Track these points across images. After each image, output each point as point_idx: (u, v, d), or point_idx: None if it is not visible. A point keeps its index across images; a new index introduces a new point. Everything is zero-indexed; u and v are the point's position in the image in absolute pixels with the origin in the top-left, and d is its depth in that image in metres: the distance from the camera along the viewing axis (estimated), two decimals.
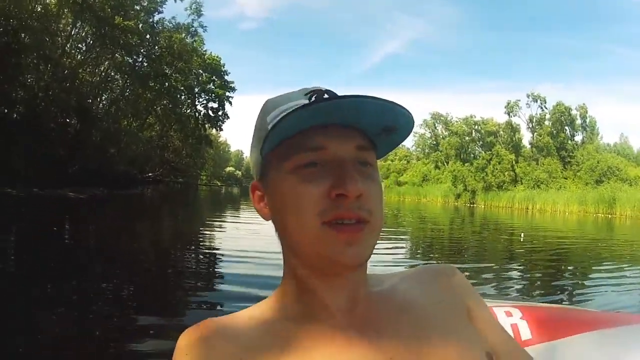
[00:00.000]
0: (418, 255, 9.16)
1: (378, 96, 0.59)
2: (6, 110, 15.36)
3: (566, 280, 6.95)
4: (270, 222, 0.69)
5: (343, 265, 0.62)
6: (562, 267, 8.37)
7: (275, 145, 0.61)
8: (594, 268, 8.12)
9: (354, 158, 0.62)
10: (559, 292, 5.90)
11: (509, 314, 1.31)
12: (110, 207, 13.89)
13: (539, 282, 6.69)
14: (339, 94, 0.64)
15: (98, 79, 23.34)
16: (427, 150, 58.67)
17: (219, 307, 3.99)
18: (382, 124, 0.63)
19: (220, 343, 0.61)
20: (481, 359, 0.66)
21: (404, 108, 0.61)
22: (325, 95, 0.64)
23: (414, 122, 0.64)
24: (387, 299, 0.70)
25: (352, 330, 0.64)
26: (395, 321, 0.66)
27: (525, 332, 1.25)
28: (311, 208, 0.60)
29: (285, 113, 0.60)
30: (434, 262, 7.88)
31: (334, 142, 0.61)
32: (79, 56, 21.18)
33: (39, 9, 16.09)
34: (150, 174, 29.67)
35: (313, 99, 0.64)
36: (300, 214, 0.61)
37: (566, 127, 44.08)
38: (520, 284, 6.43)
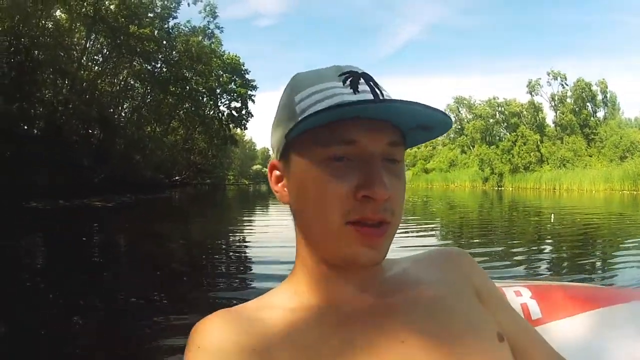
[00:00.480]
0: (449, 241, 9.09)
1: (418, 101, 0.57)
2: (26, 127, 15.75)
3: (595, 259, 6.94)
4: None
5: (358, 265, 0.62)
6: (590, 245, 8.32)
7: (301, 132, 0.59)
8: (621, 245, 8.04)
9: (384, 154, 0.61)
10: (588, 271, 5.84)
11: (518, 294, 1.29)
12: (137, 213, 14.06)
13: (567, 262, 6.66)
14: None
15: (118, 88, 23.72)
16: (452, 135, 57.92)
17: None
18: (418, 121, 0.62)
19: (232, 333, 0.60)
20: (493, 339, 0.65)
21: (445, 113, 0.59)
22: (361, 80, 0.62)
23: (452, 123, 0.62)
24: (399, 283, 0.70)
25: (365, 315, 0.64)
26: (406, 305, 0.66)
27: (536, 311, 1.23)
28: (336, 206, 0.59)
29: (319, 101, 0.59)
30: (465, 247, 7.82)
31: (366, 136, 0.59)
32: (96, 67, 21.55)
33: (50, 26, 16.41)
34: (177, 178, 30.04)
35: (348, 83, 0.61)
36: (323, 209, 0.60)
37: (588, 104, 43.39)
38: (549, 264, 6.41)
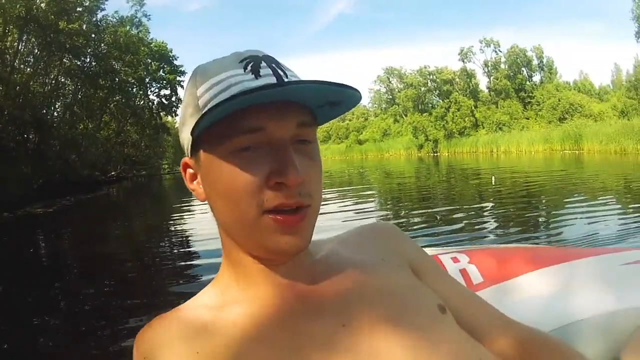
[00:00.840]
0: (388, 210, 9.17)
1: (322, 79, 0.55)
2: None
3: (542, 218, 7.15)
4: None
5: (283, 254, 0.61)
6: (535, 205, 8.56)
7: (207, 126, 0.57)
8: (567, 203, 8.26)
9: (294, 137, 0.59)
10: (534, 230, 6.06)
11: (456, 260, 1.27)
12: (78, 215, 13.51)
13: (512, 222, 6.77)
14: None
15: (49, 87, 22.62)
16: (384, 106, 58.34)
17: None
18: (327, 99, 0.60)
19: (174, 339, 0.59)
20: (434, 312, 0.64)
21: (355, 89, 0.58)
22: (263, 63, 0.60)
23: (361, 96, 0.60)
24: (329, 265, 0.68)
25: (299, 304, 0.62)
26: (341, 287, 0.64)
27: (476, 276, 1.22)
28: (249, 197, 0.57)
29: (219, 99, 0.56)
30: (406, 214, 8.13)
31: (273, 121, 0.57)
32: (28, 69, 20.48)
33: None
34: (113, 173, 29.04)
35: (249, 69, 0.59)
36: (238, 202, 0.58)
37: (523, 69, 44.06)
38: (494, 226, 6.52)
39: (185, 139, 0.63)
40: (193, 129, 0.57)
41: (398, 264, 0.72)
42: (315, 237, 0.66)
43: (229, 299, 0.64)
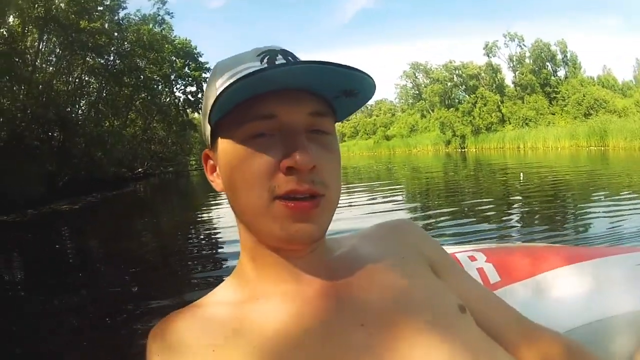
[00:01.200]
0: (417, 205, 9.20)
1: (337, 61, 0.55)
2: None
3: (567, 215, 7.09)
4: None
5: (295, 242, 0.60)
6: (563, 202, 8.49)
7: (223, 113, 0.58)
8: (593, 200, 8.15)
9: (307, 125, 0.59)
10: (561, 227, 5.96)
11: (473, 259, 1.26)
12: (105, 211, 13.82)
13: (539, 219, 6.72)
14: (311, 55, 0.64)
15: (73, 86, 23.03)
16: (410, 101, 58.48)
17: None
18: (341, 87, 0.60)
19: (189, 336, 0.59)
20: (455, 312, 0.64)
21: (363, 72, 0.58)
22: (279, 56, 0.61)
23: (375, 85, 0.60)
24: (349, 262, 0.67)
25: (318, 300, 0.62)
26: (360, 284, 0.64)
27: (493, 275, 1.21)
28: (261, 183, 0.57)
29: (232, 80, 0.57)
30: (427, 210, 8.18)
31: (285, 108, 0.58)
32: (50, 68, 20.88)
33: (4, 33, 15.84)
34: (140, 170, 29.54)
35: (265, 61, 0.60)
36: (250, 189, 0.58)
37: (547, 63, 43.45)
38: (522, 222, 6.55)
39: (205, 129, 0.64)
40: (209, 116, 0.58)
41: (418, 262, 0.72)
42: (342, 228, 0.65)
43: (248, 295, 0.64)
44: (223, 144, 0.61)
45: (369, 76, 0.58)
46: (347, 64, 0.56)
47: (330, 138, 0.62)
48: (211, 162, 0.67)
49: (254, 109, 0.57)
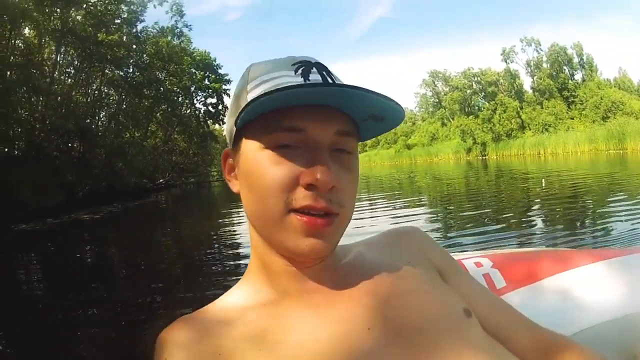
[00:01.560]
0: (438, 215, 9.12)
1: (370, 88, 0.56)
2: (7, 149, 15.56)
3: (590, 220, 7.00)
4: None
5: (304, 256, 0.61)
6: (585, 207, 8.39)
7: (251, 118, 0.58)
8: (610, 203, 8.13)
9: (331, 143, 0.60)
10: (583, 232, 5.91)
11: (479, 265, 1.27)
12: (126, 221, 13.93)
13: (562, 225, 6.61)
14: (328, 67, 0.63)
15: (92, 98, 23.41)
16: (430, 110, 58.23)
17: None
18: (369, 112, 0.61)
19: (195, 341, 0.59)
20: (460, 316, 0.64)
21: (394, 101, 0.59)
22: (314, 69, 0.61)
23: (404, 114, 0.62)
24: (357, 269, 0.68)
25: (327, 306, 0.62)
26: (368, 291, 0.64)
27: (499, 281, 1.22)
28: (279, 193, 0.58)
29: (266, 88, 0.58)
30: (457, 218, 8.08)
31: (314, 124, 0.58)
32: (69, 80, 21.25)
33: (20, 44, 16.19)
34: (161, 181, 29.83)
35: (300, 72, 0.60)
36: (267, 197, 0.59)
37: (565, 67, 43.22)
38: (544, 229, 6.46)
39: (229, 129, 0.65)
40: (236, 119, 0.58)
41: (425, 268, 0.72)
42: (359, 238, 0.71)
43: (255, 300, 0.65)
44: (246, 147, 0.61)
45: (399, 105, 0.59)
46: (379, 92, 0.57)
47: (352, 158, 0.63)
48: (230, 161, 0.67)
49: (283, 120, 0.58)
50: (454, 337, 0.60)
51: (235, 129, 0.62)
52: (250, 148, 0.61)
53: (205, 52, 37.17)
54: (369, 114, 0.62)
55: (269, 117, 0.58)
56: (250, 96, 0.60)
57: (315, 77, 0.60)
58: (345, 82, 0.61)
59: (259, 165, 0.59)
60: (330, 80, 0.61)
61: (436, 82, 56.26)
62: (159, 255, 7.06)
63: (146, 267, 5.96)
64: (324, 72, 0.62)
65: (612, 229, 5.70)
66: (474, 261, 1.29)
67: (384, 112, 0.61)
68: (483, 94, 48.53)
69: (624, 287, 1.17)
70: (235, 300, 0.67)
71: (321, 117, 0.59)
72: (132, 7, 23.54)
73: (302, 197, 0.57)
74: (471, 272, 1.19)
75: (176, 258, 6.89)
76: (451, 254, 1.25)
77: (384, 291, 0.64)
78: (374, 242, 0.78)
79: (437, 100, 56.14)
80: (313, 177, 0.56)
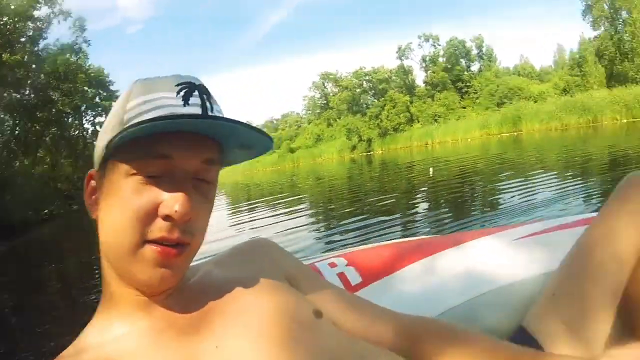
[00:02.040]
0: (320, 217, 8.75)
1: (244, 121, 0.58)
2: None
3: (477, 202, 7.13)
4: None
5: (152, 288, 0.61)
6: (474, 191, 8.40)
7: (123, 142, 0.56)
8: (500, 182, 8.27)
9: (196, 172, 0.60)
10: (473, 216, 5.81)
11: (333, 265, 1.29)
12: (14, 262, 12.25)
13: (452, 212, 6.46)
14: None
15: None
16: (318, 112, 56.32)
17: None
18: (240, 142, 0.62)
19: None
20: (309, 318, 0.65)
21: (266, 134, 0.60)
22: (195, 93, 0.60)
23: (272, 145, 0.63)
24: (204, 288, 0.67)
25: (179, 330, 0.61)
26: (215, 308, 0.64)
27: (354, 278, 1.23)
28: (136, 224, 0.57)
29: (144, 111, 0.57)
30: (341, 218, 7.77)
31: (182, 152, 0.58)
32: None
33: None
34: (46, 211, 26.93)
35: (181, 95, 0.59)
36: (124, 229, 0.57)
37: (461, 60, 44.09)
38: (429, 217, 6.31)
39: (99, 149, 0.62)
40: (109, 142, 0.57)
41: (274, 277, 0.71)
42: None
43: (111, 337, 0.62)
44: (111, 171, 0.59)
45: (269, 137, 0.61)
46: (255, 126, 0.59)
47: (211, 187, 0.63)
48: (93, 183, 0.64)
49: (152, 146, 0.57)
50: (304, 339, 0.61)
51: (105, 151, 0.59)
52: (116, 173, 0.58)
53: (99, 68, 34.68)
54: (239, 144, 0.62)
55: (141, 142, 0.56)
56: (128, 116, 0.58)
57: (195, 100, 0.59)
58: (223, 112, 0.63)
59: (121, 192, 0.58)
60: (209, 105, 0.60)
61: (326, 84, 54.90)
62: (45, 295, 6.41)
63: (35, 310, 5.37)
64: (204, 96, 0.61)
65: (499, 206, 5.89)
66: (328, 262, 1.30)
67: (255, 141, 0.62)
68: (373, 92, 48.55)
69: (490, 264, 1.23)
70: (91, 340, 0.63)
71: (190, 145, 0.58)
72: (38, 23, 21.21)
73: (157, 229, 0.57)
74: (325, 274, 1.23)
75: (64, 295, 6.35)
76: (305, 259, 1.41)
77: (232, 306, 0.64)
78: (222, 259, 0.77)
79: (325, 102, 54.81)
80: (171, 209, 0.56)
